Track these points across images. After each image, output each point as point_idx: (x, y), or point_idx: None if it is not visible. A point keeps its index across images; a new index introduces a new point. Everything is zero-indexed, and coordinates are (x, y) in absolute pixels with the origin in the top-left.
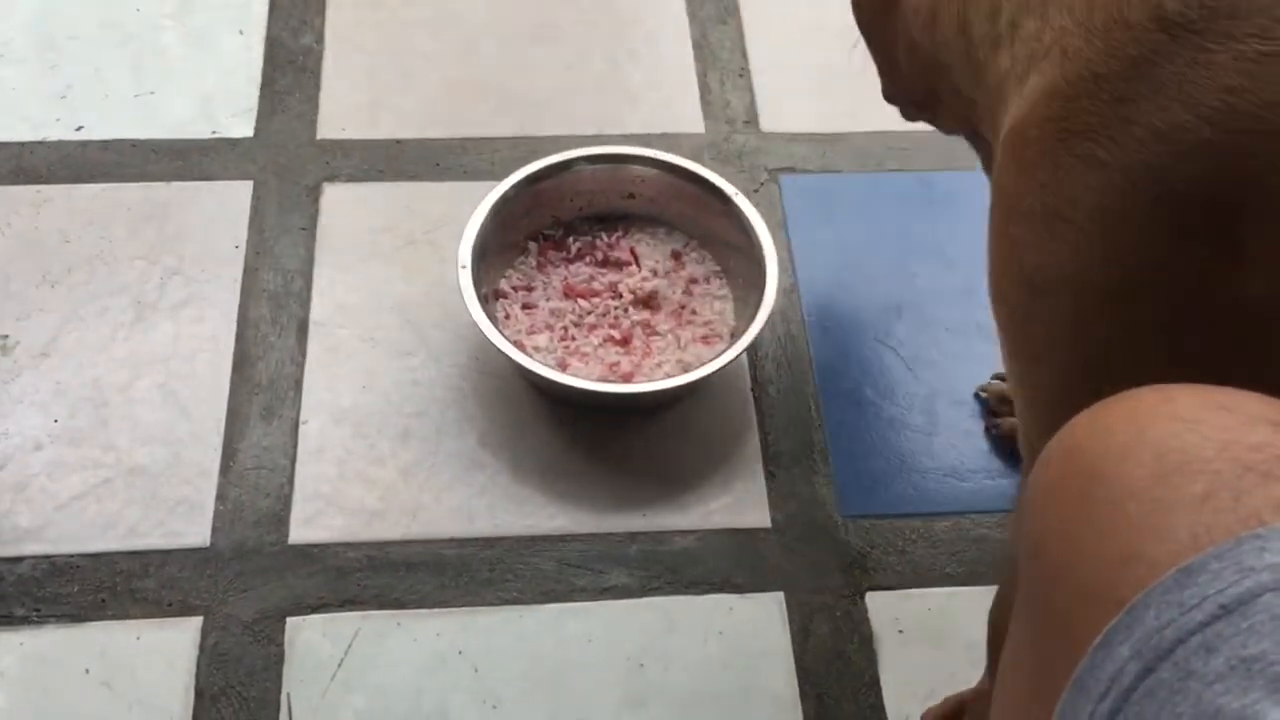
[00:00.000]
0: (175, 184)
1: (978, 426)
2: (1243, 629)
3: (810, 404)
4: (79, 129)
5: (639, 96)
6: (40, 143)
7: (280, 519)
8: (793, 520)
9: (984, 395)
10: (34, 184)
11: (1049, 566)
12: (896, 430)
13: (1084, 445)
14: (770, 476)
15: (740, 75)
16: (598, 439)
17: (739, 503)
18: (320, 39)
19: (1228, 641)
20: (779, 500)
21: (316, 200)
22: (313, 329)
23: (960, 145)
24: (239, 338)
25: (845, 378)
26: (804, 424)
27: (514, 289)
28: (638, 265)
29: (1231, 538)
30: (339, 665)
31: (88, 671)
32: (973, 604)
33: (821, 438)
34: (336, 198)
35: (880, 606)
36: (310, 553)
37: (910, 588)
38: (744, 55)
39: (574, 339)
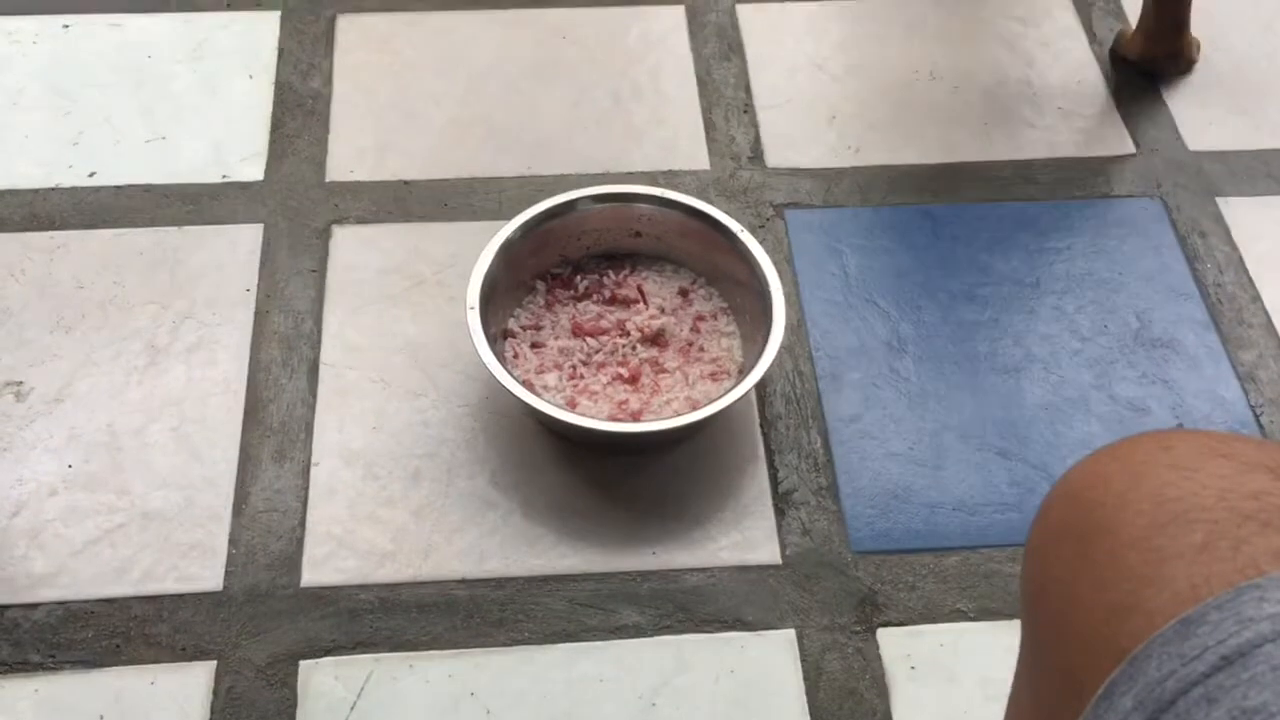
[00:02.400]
0: (187, 228)
1: (986, 460)
2: (1243, 680)
3: (819, 439)
4: (91, 175)
5: (644, 134)
6: (53, 189)
7: (292, 562)
8: (803, 556)
9: None
10: (47, 230)
11: (1050, 615)
12: (905, 465)
13: (1083, 494)
14: (780, 513)
15: (745, 111)
16: (608, 477)
17: (749, 539)
18: (328, 82)
19: (1229, 693)
20: (789, 536)
21: (326, 242)
22: (323, 371)
23: (962, 178)
24: (250, 380)
25: (853, 413)
26: (813, 459)
27: (522, 328)
28: (645, 303)
29: (1231, 588)
30: (352, 708)
31: (102, 717)
32: (985, 639)
33: (830, 473)
34: (346, 240)
35: (892, 643)
36: (322, 595)
37: (921, 623)
38: (748, 91)
39: (583, 377)
